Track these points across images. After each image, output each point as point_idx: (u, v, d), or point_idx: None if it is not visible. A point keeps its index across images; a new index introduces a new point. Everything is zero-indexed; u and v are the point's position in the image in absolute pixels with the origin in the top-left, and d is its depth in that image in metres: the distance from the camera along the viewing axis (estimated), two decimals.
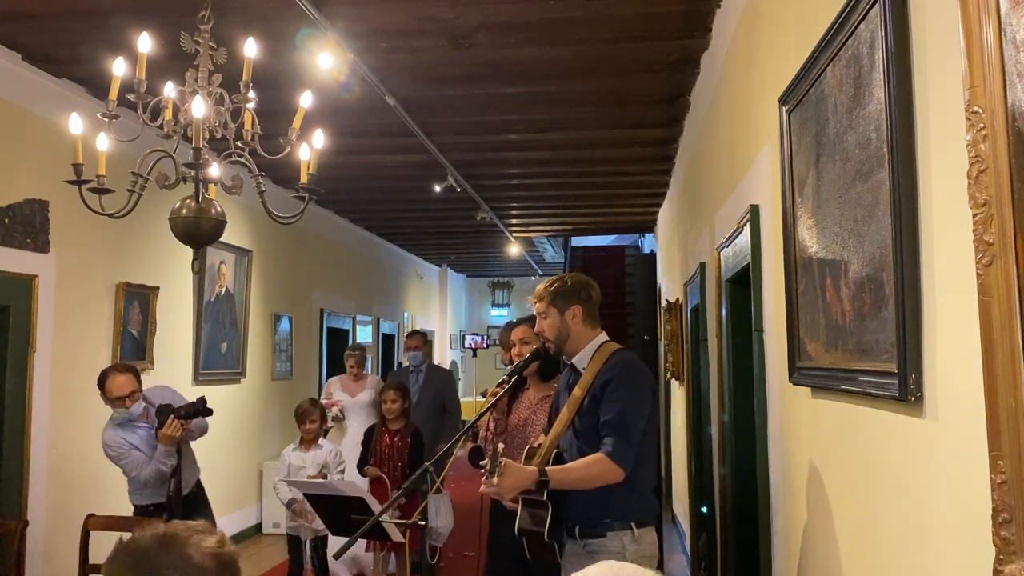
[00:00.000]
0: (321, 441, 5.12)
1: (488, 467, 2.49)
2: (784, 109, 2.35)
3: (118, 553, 1.54)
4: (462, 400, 16.64)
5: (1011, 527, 1.03)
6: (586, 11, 3.70)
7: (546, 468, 2.62)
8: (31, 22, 3.83)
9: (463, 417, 15.00)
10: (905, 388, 1.47)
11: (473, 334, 17.81)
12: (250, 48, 2.69)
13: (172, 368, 5.90)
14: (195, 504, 4.14)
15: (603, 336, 2.88)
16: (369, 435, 5.12)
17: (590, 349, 2.82)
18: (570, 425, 2.78)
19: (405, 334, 7.09)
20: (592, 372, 2.75)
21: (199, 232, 2.79)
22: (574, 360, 2.86)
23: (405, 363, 6.81)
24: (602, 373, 2.73)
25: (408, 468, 4.80)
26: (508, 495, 2.60)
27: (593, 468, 2.61)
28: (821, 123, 2.00)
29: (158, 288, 5.63)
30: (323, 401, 5.96)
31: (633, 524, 2.65)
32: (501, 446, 2.56)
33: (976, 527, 1.16)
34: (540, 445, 2.87)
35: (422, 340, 6.70)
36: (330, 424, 5.95)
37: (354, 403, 6.19)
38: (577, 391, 2.77)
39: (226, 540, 1.60)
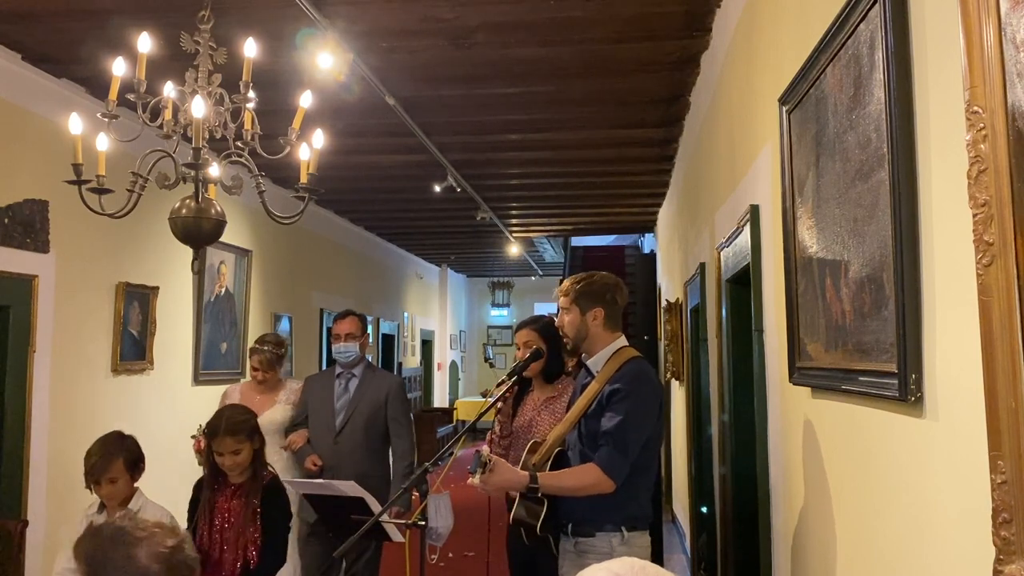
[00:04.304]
0: (141, 500, 3.15)
1: (471, 467, 2.57)
2: (784, 109, 2.35)
3: (84, 536, 1.59)
4: (464, 400, 16.53)
5: (1011, 527, 1.03)
6: (586, 11, 3.70)
7: (537, 474, 2.66)
8: (31, 22, 3.83)
9: (463, 418, 14.79)
10: (905, 388, 1.47)
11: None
12: (250, 48, 2.69)
13: (172, 368, 5.90)
14: None
15: (621, 341, 2.86)
16: (198, 491, 3.23)
17: (605, 353, 2.81)
18: (576, 426, 2.80)
19: (335, 315, 4.59)
20: (603, 378, 2.76)
21: (199, 232, 2.79)
22: (588, 363, 2.87)
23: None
24: (611, 381, 2.72)
25: (261, 543, 2.98)
26: (495, 492, 2.66)
27: (585, 478, 2.65)
28: (821, 123, 2.00)
29: (158, 288, 5.62)
30: (192, 440, 4.07)
31: (623, 527, 2.67)
32: (485, 449, 2.61)
33: (976, 527, 1.16)
34: (543, 441, 2.91)
35: (357, 326, 4.40)
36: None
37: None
38: (587, 394, 2.79)
39: (185, 544, 1.59)
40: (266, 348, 4.56)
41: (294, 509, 4.35)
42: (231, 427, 3.08)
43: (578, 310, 2.83)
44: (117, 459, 3.09)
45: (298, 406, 4.49)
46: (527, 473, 2.66)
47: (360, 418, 4.26)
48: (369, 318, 10.89)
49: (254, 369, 4.56)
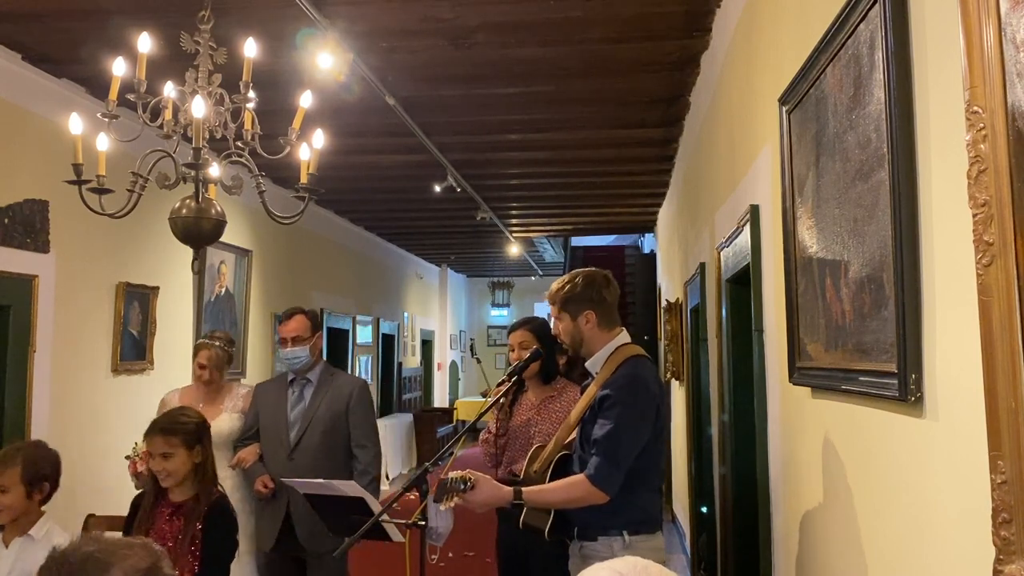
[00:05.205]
0: (47, 527, 2.79)
1: (435, 497, 2.53)
2: (784, 109, 2.35)
3: (47, 566, 1.43)
4: (465, 400, 16.51)
5: (1011, 527, 1.03)
6: (586, 11, 3.70)
7: (523, 489, 2.62)
8: (31, 22, 3.83)
9: (464, 418, 14.75)
10: (905, 388, 1.48)
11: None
12: (250, 48, 2.69)
13: (172, 368, 5.90)
14: None
15: (620, 339, 2.75)
16: (135, 508, 2.88)
17: (603, 354, 2.71)
18: (578, 430, 2.78)
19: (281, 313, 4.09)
20: (600, 380, 2.69)
21: (199, 232, 2.79)
22: (587, 365, 2.80)
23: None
24: (604, 386, 2.65)
25: (200, 568, 2.65)
26: (479, 510, 2.62)
27: (572, 491, 2.58)
28: (821, 123, 2.00)
29: (158, 288, 5.62)
30: (128, 462, 3.70)
31: (626, 532, 2.63)
32: (454, 473, 2.57)
33: (976, 527, 1.16)
34: (545, 447, 2.89)
35: (305, 326, 3.84)
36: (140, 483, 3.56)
37: None
38: (585, 397, 2.75)
39: (162, 563, 1.47)
40: (217, 344, 4.06)
41: (251, 542, 3.95)
42: (166, 425, 2.76)
43: (568, 316, 2.73)
44: (13, 467, 2.72)
45: (247, 415, 3.99)
46: (511, 489, 2.61)
47: (317, 430, 3.76)
48: (369, 318, 10.94)
49: (201, 367, 4.01)
